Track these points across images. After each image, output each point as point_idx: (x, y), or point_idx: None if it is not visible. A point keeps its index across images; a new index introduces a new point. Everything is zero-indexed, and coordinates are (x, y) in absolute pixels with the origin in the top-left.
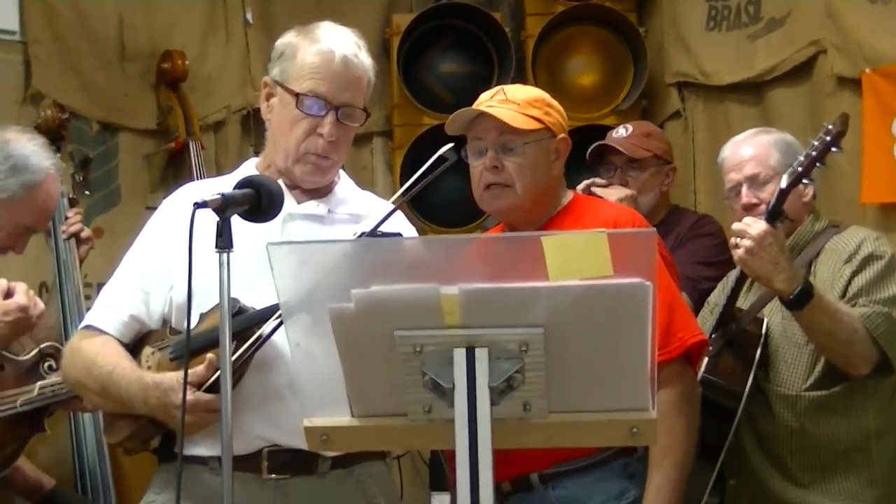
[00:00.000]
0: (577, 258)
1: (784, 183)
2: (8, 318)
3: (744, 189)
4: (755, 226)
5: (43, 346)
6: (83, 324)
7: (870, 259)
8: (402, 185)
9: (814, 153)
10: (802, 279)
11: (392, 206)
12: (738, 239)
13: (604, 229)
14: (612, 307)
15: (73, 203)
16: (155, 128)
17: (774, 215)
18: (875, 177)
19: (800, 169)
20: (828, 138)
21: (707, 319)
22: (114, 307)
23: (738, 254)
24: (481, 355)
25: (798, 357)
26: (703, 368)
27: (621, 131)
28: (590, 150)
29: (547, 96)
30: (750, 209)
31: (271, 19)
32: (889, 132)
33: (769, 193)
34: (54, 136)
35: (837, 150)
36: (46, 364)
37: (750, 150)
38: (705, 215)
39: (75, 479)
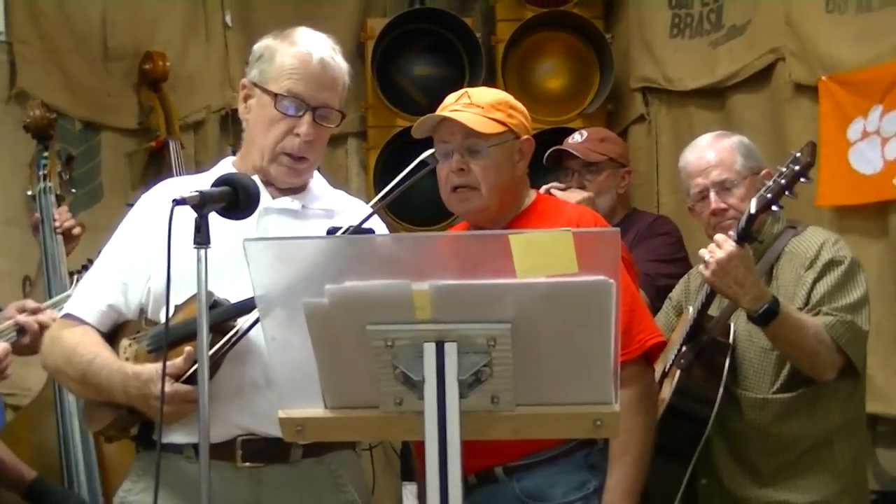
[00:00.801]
0: (543, 256)
1: (753, 209)
2: None
3: (712, 195)
4: (725, 246)
5: None
6: (62, 312)
7: (830, 265)
8: (375, 184)
9: (783, 181)
10: (769, 298)
11: (371, 209)
12: (708, 256)
13: (569, 228)
14: (577, 304)
15: (60, 200)
16: (136, 127)
17: (744, 238)
18: (831, 180)
19: (769, 195)
20: (796, 167)
21: (669, 316)
22: (93, 297)
23: (705, 274)
24: (451, 349)
25: (764, 362)
26: (676, 380)
27: (577, 137)
28: (547, 154)
29: (511, 98)
30: (719, 214)
31: (250, 22)
32: (844, 137)
33: (737, 198)
34: (43, 135)
35: (806, 181)
36: None
37: (714, 155)
38: (661, 216)
39: (61, 466)
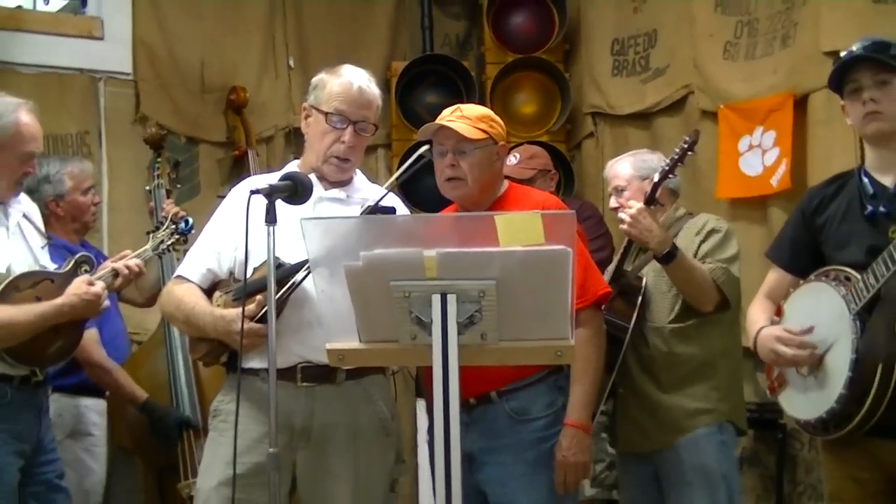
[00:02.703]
0: (519, 231)
1: (657, 177)
2: (86, 297)
3: (612, 198)
4: (635, 205)
5: (77, 256)
6: (175, 274)
7: (712, 232)
8: (398, 181)
9: (676, 157)
10: (671, 243)
11: (386, 189)
12: (624, 215)
13: (539, 211)
14: (544, 266)
15: (168, 194)
16: (224, 140)
17: (650, 200)
18: (726, 180)
19: (666, 167)
20: (685, 146)
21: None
22: (196, 263)
23: (623, 227)
24: (451, 300)
25: (664, 301)
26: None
27: (512, 160)
28: None
29: (492, 113)
30: (615, 210)
31: (307, 65)
32: (736, 149)
33: (625, 199)
34: (157, 146)
35: (692, 154)
36: (83, 269)
37: (614, 170)
38: (585, 202)
39: (169, 386)
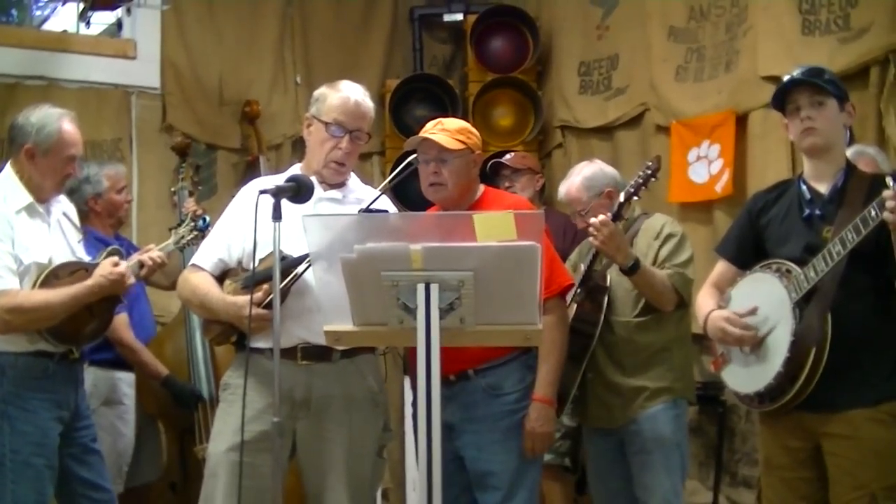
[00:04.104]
0: (494, 228)
1: (622, 198)
2: (111, 277)
3: (578, 219)
4: (609, 225)
5: (109, 248)
6: (190, 263)
7: (669, 237)
8: (389, 185)
9: (640, 181)
10: (634, 257)
11: (379, 192)
12: (596, 232)
13: (511, 211)
14: (516, 259)
15: (191, 194)
16: (239, 147)
17: (616, 217)
18: (677, 186)
19: (632, 190)
20: (649, 172)
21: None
22: (209, 253)
23: (595, 243)
24: (434, 288)
25: (627, 298)
26: (574, 310)
27: (508, 156)
28: (489, 166)
29: (469, 126)
30: (583, 230)
31: (312, 82)
32: (685, 159)
33: (590, 217)
34: (182, 153)
35: (655, 179)
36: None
37: (566, 196)
38: (554, 210)
39: (188, 362)
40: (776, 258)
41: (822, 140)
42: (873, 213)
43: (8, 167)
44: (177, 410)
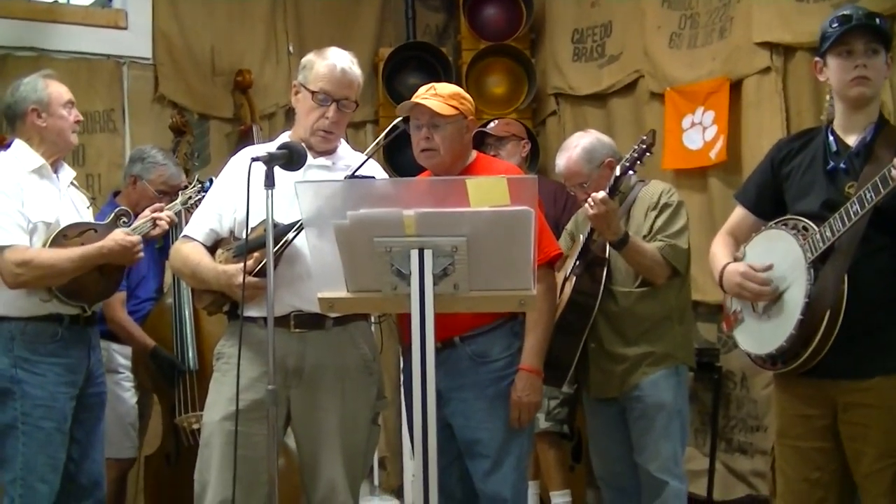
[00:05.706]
0: (487, 193)
1: (618, 172)
2: (122, 242)
3: (578, 192)
4: (604, 206)
5: (117, 210)
6: (182, 233)
7: (665, 206)
8: (383, 154)
9: (636, 155)
10: (623, 233)
11: (365, 157)
12: (590, 205)
13: (504, 175)
14: (509, 224)
15: (187, 173)
16: (232, 117)
17: (612, 192)
18: (671, 153)
19: (627, 165)
20: (644, 147)
21: (567, 241)
22: (200, 223)
23: (589, 214)
24: (428, 254)
25: (628, 269)
26: (573, 283)
27: (492, 124)
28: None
29: (462, 91)
30: (582, 202)
31: (304, 51)
32: (680, 126)
33: (591, 190)
34: (180, 131)
35: (650, 154)
36: (122, 221)
37: (565, 169)
38: (544, 177)
39: (175, 332)
40: (793, 212)
41: (872, 91)
42: (893, 171)
43: (16, 141)
44: (165, 382)
